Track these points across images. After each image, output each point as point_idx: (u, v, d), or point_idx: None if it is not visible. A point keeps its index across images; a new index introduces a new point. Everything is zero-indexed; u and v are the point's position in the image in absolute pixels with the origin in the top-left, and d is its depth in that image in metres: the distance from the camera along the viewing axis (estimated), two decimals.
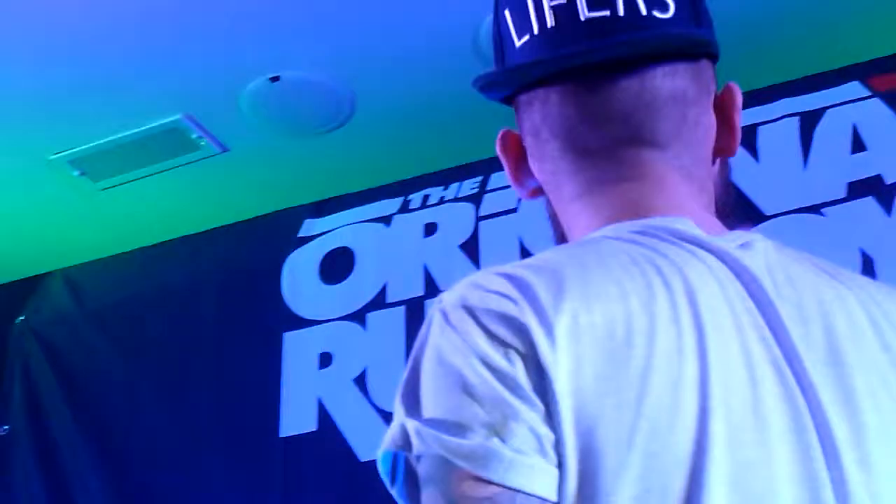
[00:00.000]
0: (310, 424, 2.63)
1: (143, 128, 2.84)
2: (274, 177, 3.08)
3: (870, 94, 2.46)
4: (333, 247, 2.83)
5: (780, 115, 2.52)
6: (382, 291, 2.70)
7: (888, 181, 2.35)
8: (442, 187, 2.79)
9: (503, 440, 0.83)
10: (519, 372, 0.84)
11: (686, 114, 1.00)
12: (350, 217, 2.85)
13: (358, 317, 2.70)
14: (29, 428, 3.00)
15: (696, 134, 1.02)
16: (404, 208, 2.80)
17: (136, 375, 2.94)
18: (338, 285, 2.77)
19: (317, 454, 2.61)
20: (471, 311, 0.87)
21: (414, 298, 2.65)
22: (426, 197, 2.79)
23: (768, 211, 2.44)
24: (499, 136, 1.09)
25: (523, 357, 0.85)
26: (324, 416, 2.62)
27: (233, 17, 2.52)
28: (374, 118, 2.87)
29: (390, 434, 0.88)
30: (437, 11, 2.57)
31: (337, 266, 2.79)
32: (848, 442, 0.93)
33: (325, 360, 2.69)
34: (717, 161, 1.09)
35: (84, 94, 2.69)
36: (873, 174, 2.37)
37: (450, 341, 0.86)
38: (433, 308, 0.89)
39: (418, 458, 0.85)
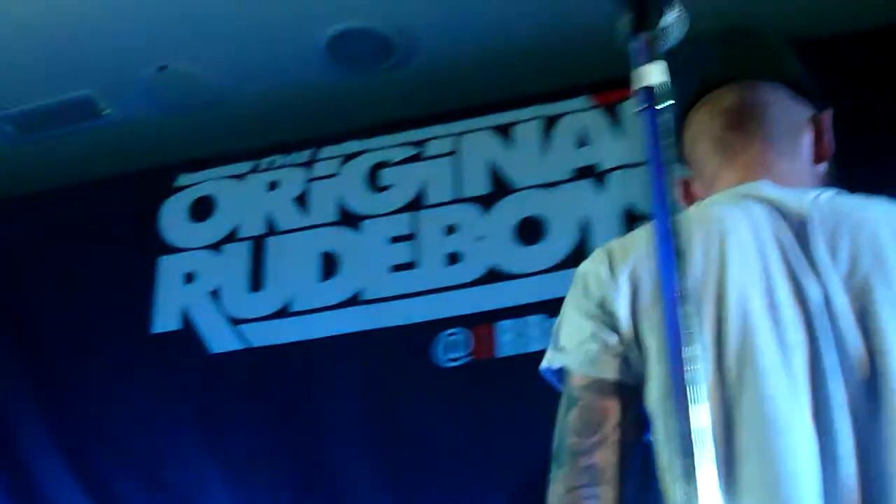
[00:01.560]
0: (176, 325, 3.15)
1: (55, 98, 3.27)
2: (158, 142, 3.45)
3: (593, 105, 3.11)
4: (200, 195, 3.34)
5: (530, 117, 3.18)
6: (235, 230, 3.25)
7: (600, 169, 3.01)
8: (284, 155, 3.33)
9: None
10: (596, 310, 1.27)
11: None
12: (214, 174, 3.36)
13: (215, 247, 3.24)
14: None
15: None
16: (255, 169, 3.34)
17: (44, 287, 3.34)
18: (201, 223, 3.28)
19: (179, 347, 3.12)
20: (578, 279, 1.34)
21: (258, 235, 3.21)
22: (272, 161, 3.33)
23: (518, 185, 3.08)
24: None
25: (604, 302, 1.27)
26: (187, 320, 3.15)
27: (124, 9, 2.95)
28: (236, 104, 3.36)
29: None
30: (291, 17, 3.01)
31: (202, 209, 3.30)
32: (849, 321, 1.17)
33: (189, 278, 3.22)
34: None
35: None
36: (592, 163, 3.04)
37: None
38: None
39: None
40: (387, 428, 2.90)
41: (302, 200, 3.25)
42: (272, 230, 3.23)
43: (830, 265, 1.22)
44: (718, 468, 0.93)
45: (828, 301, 1.20)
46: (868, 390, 1.16)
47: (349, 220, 3.19)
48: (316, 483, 2.91)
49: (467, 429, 2.84)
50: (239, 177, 3.36)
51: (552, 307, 2.86)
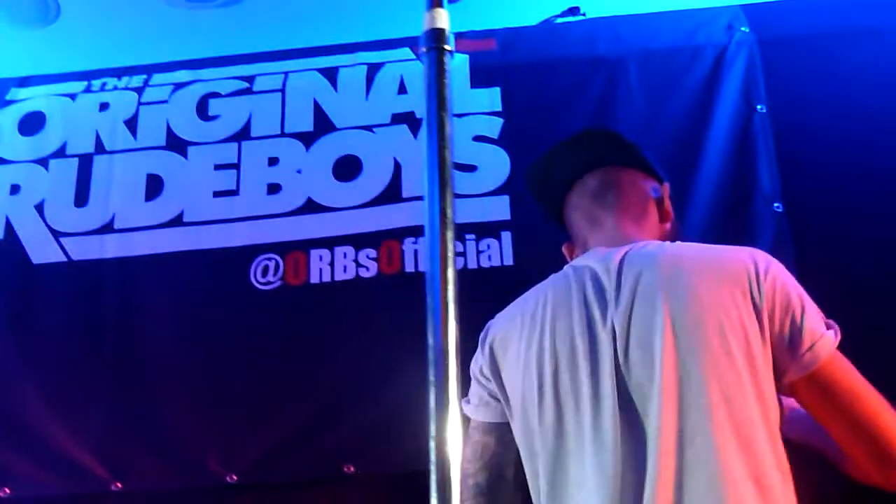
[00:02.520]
0: None
1: None
2: None
3: (414, 57, 3.34)
4: (31, 110, 3.41)
5: (355, 63, 3.39)
6: (63, 146, 3.33)
7: (416, 116, 3.23)
8: (116, 78, 3.45)
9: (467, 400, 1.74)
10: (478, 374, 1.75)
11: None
12: (46, 91, 3.44)
13: (43, 162, 3.32)
14: None
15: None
16: (87, 90, 3.42)
17: None
18: (30, 137, 3.36)
19: (1, 256, 3.20)
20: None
21: (85, 154, 3.32)
22: (104, 84, 3.43)
23: (339, 125, 3.27)
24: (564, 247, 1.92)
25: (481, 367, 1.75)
26: (10, 230, 3.23)
27: None
28: (72, 24, 3.49)
29: None
30: None
31: (32, 123, 3.37)
32: (636, 367, 1.56)
33: (15, 189, 3.29)
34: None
35: None
36: (409, 110, 3.26)
37: None
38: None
39: None
40: (202, 343, 3.06)
41: (132, 123, 3.36)
42: (100, 149, 3.34)
43: (616, 310, 1.60)
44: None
45: (614, 341, 1.60)
46: (637, 417, 1.57)
47: (176, 145, 3.32)
48: (129, 397, 3.02)
49: (277, 348, 3.04)
50: (71, 96, 3.44)
51: (361, 240, 3.13)
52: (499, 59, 3.36)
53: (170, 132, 3.35)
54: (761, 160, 3.06)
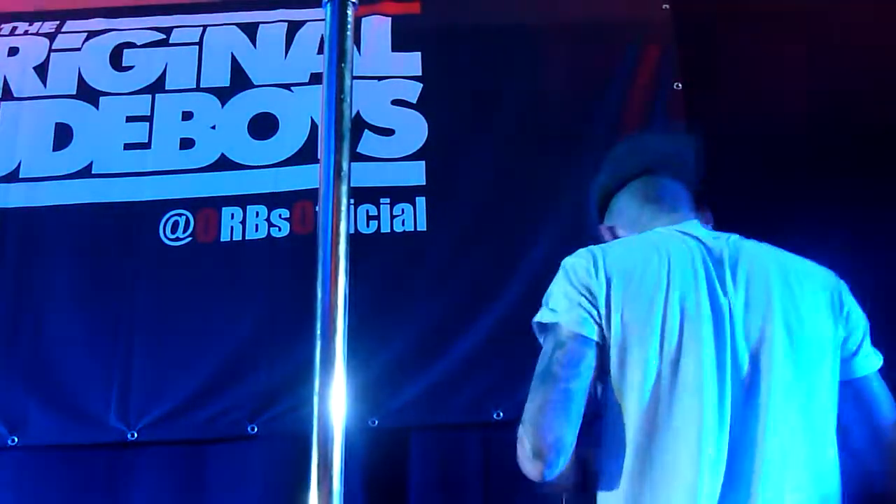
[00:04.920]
0: None
1: None
2: None
3: None
4: None
5: (276, 20, 3.34)
6: None
7: None
8: (27, 23, 3.35)
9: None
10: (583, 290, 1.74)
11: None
12: None
13: None
14: None
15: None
16: None
17: None
18: None
19: None
20: (568, 268, 1.79)
21: None
22: (14, 28, 3.34)
23: (257, 82, 3.23)
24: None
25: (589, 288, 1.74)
26: None
27: None
28: None
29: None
30: None
31: None
32: (750, 340, 1.70)
33: None
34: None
35: None
36: None
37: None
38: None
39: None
40: (105, 296, 3.01)
41: (42, 70, 3.28)
42: (7, 95, 3.25)
43: (733, 287, 1.75)
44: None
45: (731, 313, 1.73)
46: (746, 385, 1.69)
47: (87, 94, 3.25)
48: (26, 350, 2.96)
49: (184, 305, 3.00)
50: None
51: (274, 199, 3.10)
52: (421, 23, 3.34)
53: (81, 81, 3.27)
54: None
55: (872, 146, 3.02)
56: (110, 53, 3.31)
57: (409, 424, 2.88)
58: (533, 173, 3.08)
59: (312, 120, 3.18)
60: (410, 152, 3.13)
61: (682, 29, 3.25)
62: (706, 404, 1.66)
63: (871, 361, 1.86)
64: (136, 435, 2.86)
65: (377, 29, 3.34)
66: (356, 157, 3.08)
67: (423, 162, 3.11)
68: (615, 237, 2.04)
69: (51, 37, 3.33)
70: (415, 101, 3.20)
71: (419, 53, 3.28)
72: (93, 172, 3.14)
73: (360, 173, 3.05)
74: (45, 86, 3.26)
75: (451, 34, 3.32)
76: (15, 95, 3.26)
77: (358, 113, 3.16)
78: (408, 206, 3.07)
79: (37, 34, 3.34)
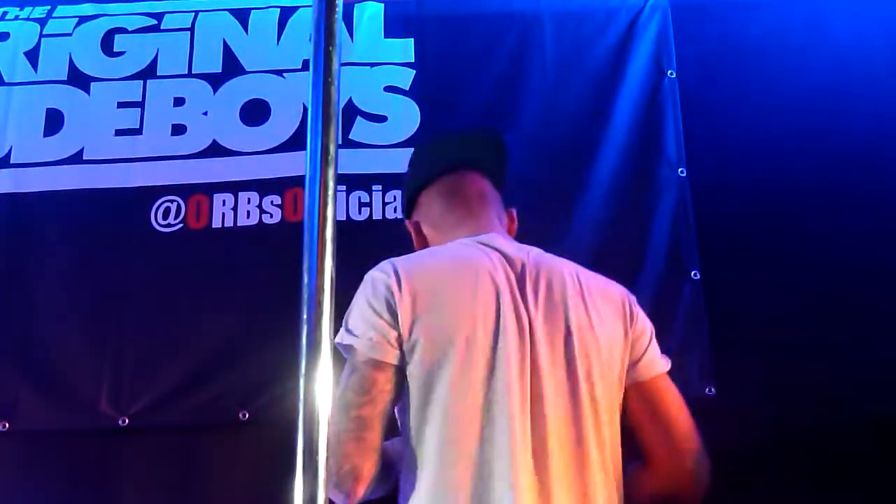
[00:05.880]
0: None
1: None
2: None
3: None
4: None
5: (268, 5, 3.31)
6: None
7: None
8: (18, 8, 3.34)
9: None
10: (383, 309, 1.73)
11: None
12: None
13: None
14: None
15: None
16: None
17: None
18: None
19: None
20: (370, 283, 1.79)
21: None
22: (5, 13, 3.33)
23: (249, 68, 3.22)
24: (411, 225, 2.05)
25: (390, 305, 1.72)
26: None
27: None
28: None
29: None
30: None
31: None
32: (540, 340, 1.76)
33: None
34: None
35: None
36: None
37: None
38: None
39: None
40: (96, 282, 3.00)
41: (33, 55, 3.27)
42: None
43: (533, 301, 1.78)
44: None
45: (531, 327, 1.77)
46: (528, 385, 1.74)
47: (79, 80, 3.23)
48: (18, 336, 2.96)
49: (175, 291, 3.00)
50: None
51: (266, 186, 3.09)
52: (414, 9, 3.33)
53: (72, 66, 3.26)
54: (668, 126, 3.10)
55: None
56: (101, 39, 3.29)
57: None
58: None
59: (304, 106, 3.14)
60: (403, 139, 3.12)
61: (678, 13, 3.24)
62: (516, 426, 1.68)
63: (657, 365, 1.94)
64: (126, 421, 2.85)
65: (370, 15, 3.33)
66: (348, 143, 3.09)
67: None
68: (420, 234, 2.08)
69: (42, 21, 3.32)
70: (407, 88, 3.19)
71: (412, 40, 3.27)
72: (84, 158, 3.13)
73: (352, 160, 3.05)
74: (36, 71, 3.25)
75: (443, 21, 3.31)
76: (6, 81, 3.25)
77: (350, 99, 3.16)
78: (400, 193, 3.06)
79: (28, 19, 3.33)
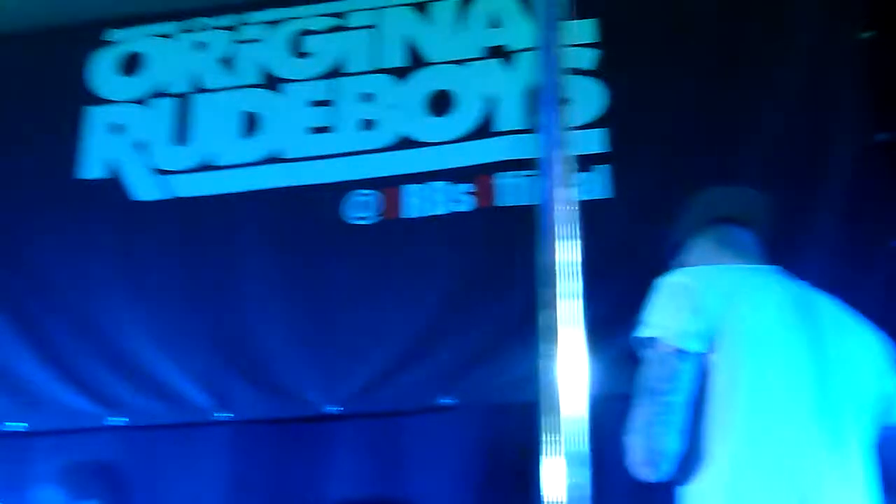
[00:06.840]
0: (102, 173, 3.31)
1: None
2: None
3: None
4: (129, 50, 3.49)
5: None
6: (161, 86, 3.41)
7: (508, 49, 3.24)
8: (210, 18, 3.47)
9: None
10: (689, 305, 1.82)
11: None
12: (142, 31, 3.52)
13: (142, 102, 3.40)
14: None
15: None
16: (182, 30, 3.48)
17: None
18: (129, 78, 3.44)
19: (105, 194, 3.27)
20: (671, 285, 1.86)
21: (184, 92, 3.38)
22: (199, 24, 3.46)
23: (431, 60, 3.28)
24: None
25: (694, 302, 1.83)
26: (111, 169, 3.31)
27: None
28: None
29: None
30: None
31: (130, 64, 3.46)
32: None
33: (115, 129, 3.37)
34: None
35: None
36: (501, 44, 3.26)
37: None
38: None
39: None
40: (297, 275, 3.10)
41: (226, 62, 3.41)
42: (197, 88, 3.40)
43: (808, 322, 1.88)
44: None
45: (810, 345, 1.88)
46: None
47: (271, 82, 3.36)
48: (230, 330, 3.08)
49: (373, 281, 3.07)
50: (167, 36, 3.51)
51: (455, 174, 3.13)
52: None
53: (264, 70, 3.38)
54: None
55: None
56: (290, 41, 3.40)
57: None
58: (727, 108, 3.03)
59: (488, 94, 3.19)
60: (589, 120, 3.09)
61: None
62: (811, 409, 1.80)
63: None
64: (333, 408, 2.94)
65: None
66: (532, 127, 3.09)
67: (603, 130, 3.07)
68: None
69: (233, 29, 3.46)
70: (593, 69, 3.17)
71: (598, 20, 3.23)
72: (279, 157, 3.25)
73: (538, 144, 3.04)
74: (230, 77, 3.40)
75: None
76: (204, 88, 3.40)
77: (534, 87, 3.14)
78: (587, 175, 3.02)
79: (219, 28, 3.48)
